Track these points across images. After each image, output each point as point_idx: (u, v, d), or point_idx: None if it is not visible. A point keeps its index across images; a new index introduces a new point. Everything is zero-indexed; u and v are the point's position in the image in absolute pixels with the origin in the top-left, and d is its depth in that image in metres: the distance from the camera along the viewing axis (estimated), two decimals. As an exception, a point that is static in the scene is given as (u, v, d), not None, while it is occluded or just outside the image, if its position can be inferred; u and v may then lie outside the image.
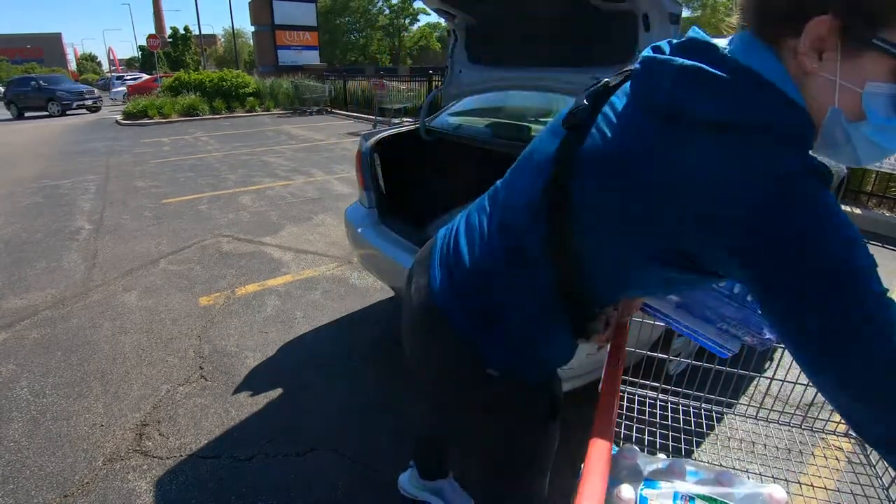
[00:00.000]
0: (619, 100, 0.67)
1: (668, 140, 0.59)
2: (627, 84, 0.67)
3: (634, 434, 1.18)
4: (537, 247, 0.74)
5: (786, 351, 1.32)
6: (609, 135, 0.65)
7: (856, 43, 0.52)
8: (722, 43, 0.62)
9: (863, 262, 0.52)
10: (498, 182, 0.89)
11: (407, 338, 1.01)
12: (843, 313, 0.52)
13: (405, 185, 2.58)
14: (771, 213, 0.53)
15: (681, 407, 1.30)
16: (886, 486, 1.05)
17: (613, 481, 0.89)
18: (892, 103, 0.54)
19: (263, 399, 2.21)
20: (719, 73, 0.57)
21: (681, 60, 0.59)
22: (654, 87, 0.61)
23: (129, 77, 31.08)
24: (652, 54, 0.64)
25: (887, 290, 0.53)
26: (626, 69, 0.70)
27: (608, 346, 0.92)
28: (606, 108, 0.68)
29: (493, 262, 0.81)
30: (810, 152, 0.59)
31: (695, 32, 0.64)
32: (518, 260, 0.77)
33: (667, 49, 0.64)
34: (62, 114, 17.10)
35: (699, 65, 0.58)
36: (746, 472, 1.15)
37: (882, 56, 0.51)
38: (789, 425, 1.26)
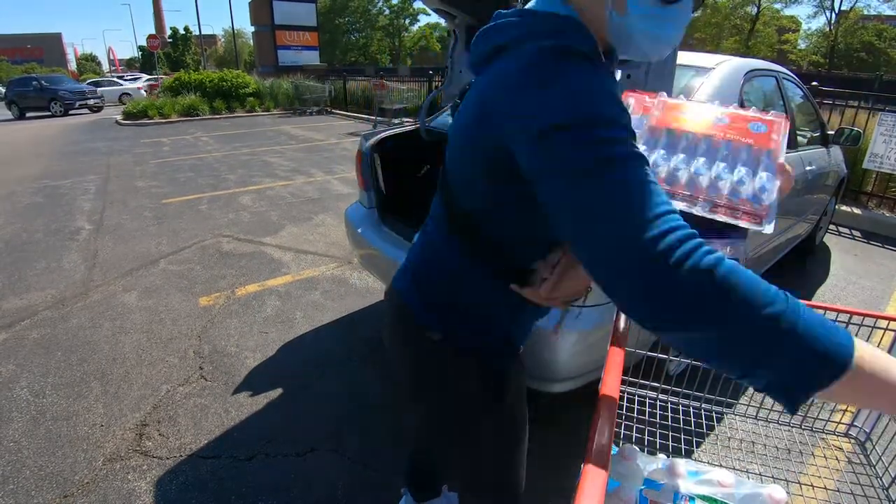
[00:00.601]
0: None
1: (479, 81, 0.75)
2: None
3: (634, 434, 1.18)
4: (440, 207, 0.86)
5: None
6: (460, 110, 0.81)
7: None
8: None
9: (588, 112, 0.59)
10: None
11: (386, 336, 1.04)
12: (573, 159, 0.57)
13: (405, 185, 2.59)
14: (523, 86, 0.63)
15: (681, 407, 1.30)
16: (886, 486, 1.05)
17: (613, 481, 0.89)
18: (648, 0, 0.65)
19: (263, 399, 2.21)
20: (505, 19, 0.73)
21: (485, 27, 0.76)
22: (475, 53, 0.79)
23: (129, 77, 31.08)
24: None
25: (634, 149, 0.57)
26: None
27: (608, 347, 0.92)
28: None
29: (424, 233, 0.92)
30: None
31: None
32: (435, 224, 0.88)
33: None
34: (65, 114, 17.11)
35: (486, 26, 0.76)
36: (746, 472, 1.15)
37: None
38: (789, 425, 1.26)
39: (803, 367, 0.50)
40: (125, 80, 26.85)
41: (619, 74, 1.82)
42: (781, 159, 0.87)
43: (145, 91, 19.81)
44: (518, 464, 1.06)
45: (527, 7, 0.73)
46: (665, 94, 1.01)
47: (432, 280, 0.88)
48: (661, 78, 1.72)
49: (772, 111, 0.96)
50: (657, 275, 0.51)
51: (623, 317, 0.98)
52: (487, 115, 0.69)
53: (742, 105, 2.24)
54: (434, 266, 0.88)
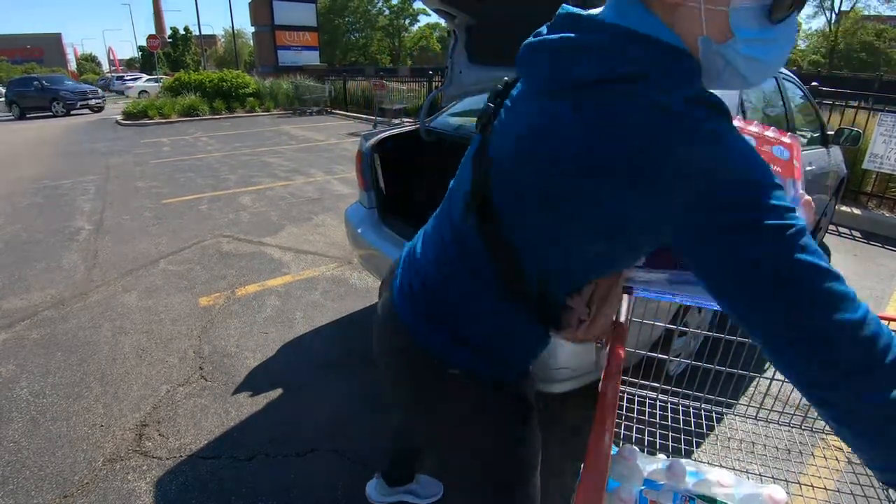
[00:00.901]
0: (515, 91, 0.72)
1: (561, 112, 0.61)
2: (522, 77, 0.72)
3: (634, 434, 1.18)
4: (474, 238, 0.74)
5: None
6: (508, 125, 0.70)
7: None
8: (594, 11, 0.64)
9: (769, 199, 0.52)
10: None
11: (378, 356, 0.99)
12: (753, 258, 0.51)
13: (405, 185, 2.59)
14: (663, 146, 0.53)
15: (681, 407, 1.30)
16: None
17: (613, 481, 0.89)
18: (757, 15, 0.55)
19: (263, 399, 2.21)
20: (588, 37, 0.59)
21: (551, 37, 0.63)
22: (536, 70, 0.65)
23: (129, 77, 31.10)
24: (531, 39, 0.68)
25: (803, 227, 0.52)
26: None
27: (607, 347, 0.92)
28: (507, 103, 0.72)
29: (445, 262, 0.81)
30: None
31: (563, 8, 0.66)
32: (461, 254, 0.78)
33: (544, 31, 0.67)
34: (67, 114, 17.10)
35: (568, 35, 0.61)
36: (746, 472, 1.15)
37: None
38: (789, 425, 1.26)
39: None
40: (127, 79, 26.88)
41: None
42: (802, 190, 0.86)
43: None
44: (534, 486, 0.98)
45: (630, 26, 0.59)
46: None
47: (456, 314, 0.80)
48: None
49: (788, 134, 0.93)
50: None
51: (623, 316, 0.98)
52: (597, 171, 0.58)
53: (742, 105, 2.24)
54: (457, 298, 0.80)
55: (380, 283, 1.07)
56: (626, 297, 0.95)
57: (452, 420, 0.90)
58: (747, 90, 2.38)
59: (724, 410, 1.29)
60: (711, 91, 0.58)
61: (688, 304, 0.94)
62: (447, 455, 1.01)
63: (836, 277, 0.51)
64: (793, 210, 0.52)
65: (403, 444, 1.56)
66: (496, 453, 0.91)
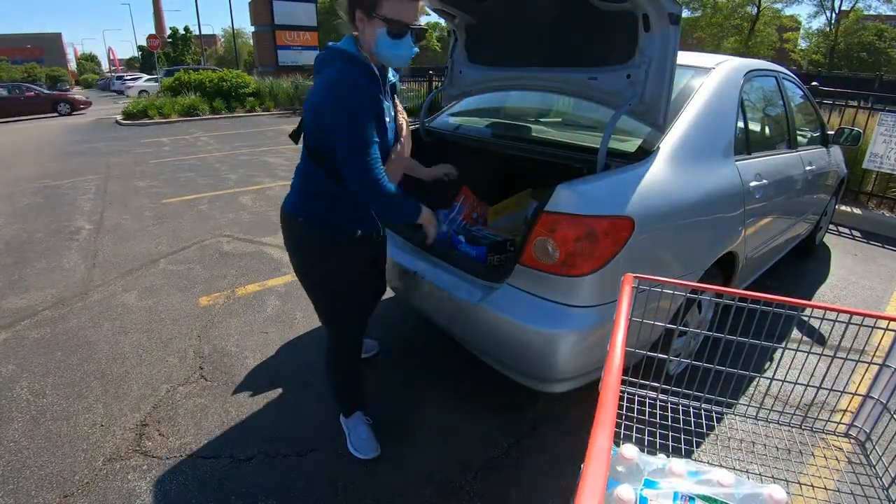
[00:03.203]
0: None
1: (318, 80, 1.49)
2: None
3: (634, 434, 1.18)
4: (303, 150, 1.58)
5: (786, 352, 1.31)
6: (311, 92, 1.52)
7: (371, 15, 1.38)
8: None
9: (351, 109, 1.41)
10: None
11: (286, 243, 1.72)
12: (345, 140, 1.41)
13: (405, 185, 2.57)
14: (322, 88, 1.43)
15: (681, 407, 1.30)
16: (886, 486, 1.05)
17: (613, 481, 0.89)
18: (385, 37, 1.40)
19: (263, 399, 2.21)
20: (329, 51, 1.49)
21: (322, 53, 1.52)
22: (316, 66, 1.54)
23: (129, 77, 31.07)
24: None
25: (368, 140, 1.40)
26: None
27: (609, 347, 0.92)
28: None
29: (299, 165, 1.63)
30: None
31: (338, 43, 1.50)
32: (301, 161, 1.61)
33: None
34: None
35: (322, 55, 1.52)
36: (746, 472, 1.15)
37: (379, 20, 1.38)
38: (789, 425, 1.26)
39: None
40: (126, 79, 26.89)
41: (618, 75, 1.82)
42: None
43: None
44: (341, 309, 1.72)
45: (338, 46, 1.48)
46: None
47: (297, 185, 1.60)
48: (660, 78, 1.72)
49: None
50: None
51: (623, 317, 0.98)
52: (320, 101, 1.44)
53: (742, 105, 2.24)
54: (298, 177, 1.60)
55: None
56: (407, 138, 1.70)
57: (300, 256, 1.66)
58: (748, 92, 2.38)
59: (724, 410, 1.29)
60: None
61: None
62: (304, 285, 1.73)
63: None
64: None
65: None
66: (319, 277, 1.67)
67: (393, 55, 1.43)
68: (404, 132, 1.68)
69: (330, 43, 1.47)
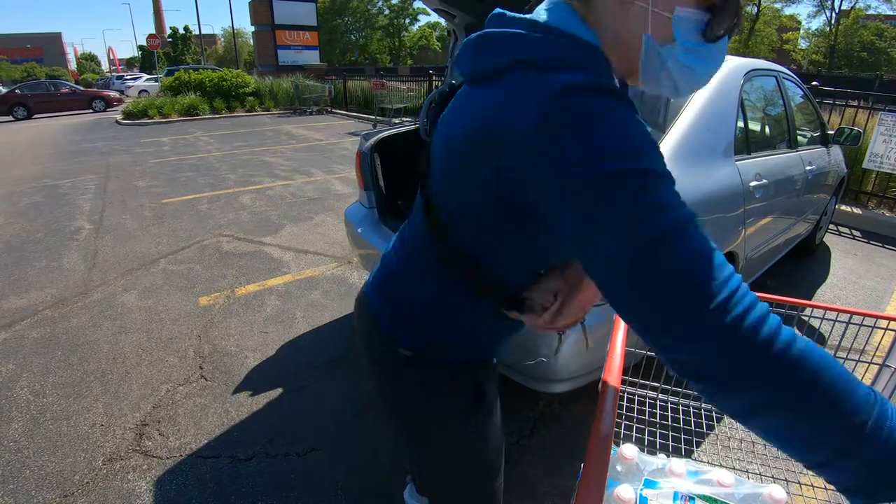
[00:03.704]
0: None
1: (476, 97, 0.64)
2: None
3: (634, 434, 1.18)
4: (421, 220, 0.78)
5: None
6: (444, 119, 0.73)
7: None
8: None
9: (650, 165, 0.52)
10: None
11: (357, 344, 0.98)
12: (631, 229, 0.50)
13: (405, 185, 2.59)
14: (551, 125, 0.53)
15: (681, 407, 1.30)
16: (886, 486, 1.05)
17: (613, 481, 0.89)
18: (697, 28, 0.58)
19: (263, 399, 2.21)
20: (500, 30, 0.63)
21: (476, 34, 0.65)
22: (461, 64, 0.68)
23: (129, 77, 31.07)
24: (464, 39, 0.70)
25: (693, 213, 0.51)
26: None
27: (609, 347, 0.92)
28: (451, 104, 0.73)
29: (401, 244, 0.85)
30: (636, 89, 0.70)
31: (494, 11, 0.67)
32: (412, 234, 0.82)
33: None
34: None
35: (487, 31, 0.64)
36: (746, 472, 1.15)
37: None
38: (789, 425, 1.26)
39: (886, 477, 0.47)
40: (126, 79, 26.96)
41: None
42: None
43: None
44: (492, 490, 0.94)
45: (540, 19, 0.62)
46: None
47: (409, 296, 0.82)
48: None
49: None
50: (728, 345, 0.47)
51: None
52: (494, 146, 0.59)
53: (742, 105, 2.24)
54: (412, 281, 0.81)
55: None
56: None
57: (403, 405, 0.90)
58: (748, 92, 2.38)
59: (724, 410, 1.29)
60: (607, 80, 0.59)
61: None
62: (401, 442, 0.98)
63: None
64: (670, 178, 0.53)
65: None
66: (440, 445, 0.89)
67: (700, 72, 0.63)
68: None
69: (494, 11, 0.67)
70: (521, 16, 0.64)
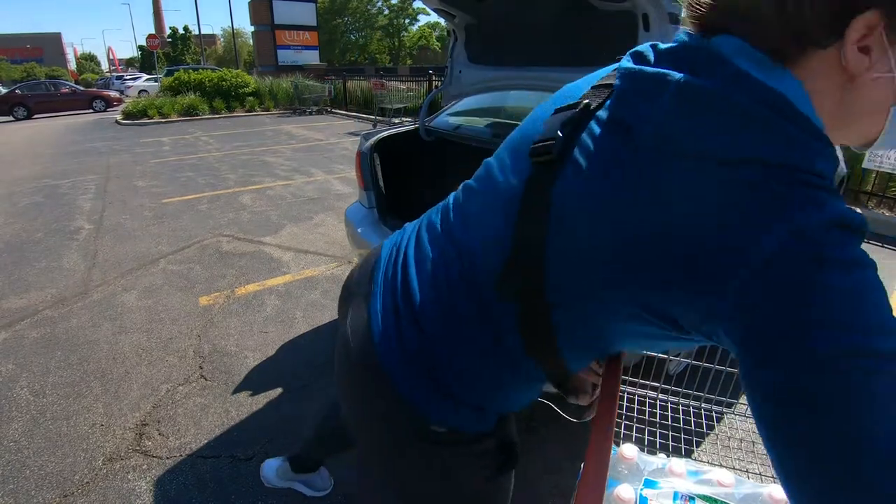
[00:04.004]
0: (598, 126, 0.53)
1: (656, 172, 0.47)
2: (608, 104, 0.54)
3: (634, 434, 1.18)
4: (505, 306, 0.61)
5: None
6: (588, 172, 0.52)
7: None
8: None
9: (888, 366, 0.38)
10: (451, 197, 0.77)
11: (341, 385, 0.83)
12: (838, 428, 0.37)
13: (405, 185, 2.59)
14: (776, 273, 0.40)
15: (681, 407, 1.30)
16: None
17: (613, 481, 0.89)
18: None
19: (263, 399, 2.21)
20: (734, 98, 0.45)
21: (678, 76, 0.47)
22: (641, 113, 0.49)
23: (128, 77, 31.08)
24: (635, 66, 0.52)
25: None
26: (605, 82, 0.57)
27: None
28: (584, 137, 0.54)
29: (453, 314, 0.66)
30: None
31: (688, 35, 0.51)
32: (481, 318, 0.63)
33: (651, 56, 0.52)
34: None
35: (704, 85, 0.46)
36: (746, 472, 1.15)
37: None
38: (789, 425, 1.26)
39: None
40: (126, 79, 27.01)
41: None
42: None
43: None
44: None
45: (763, 81, 0.45)
46: None
47: (458, 372, 0.67)
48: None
49: None
50: None
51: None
52: (670, 226, 0.46)
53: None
54: (462, 357, 0.66)
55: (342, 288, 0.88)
56: None
57: (425, 473, 0.75)
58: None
59: (724, 410, 1.30)
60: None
61: None
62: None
63: None
64: None
65: (330, 444, 1.48)
66: None
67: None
68: None
69: (690, 39, 0.52)
70: (756, 78, 0.45)
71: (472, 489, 0.76)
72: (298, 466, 1.63)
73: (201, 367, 2.44)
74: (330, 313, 2.96)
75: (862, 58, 0.44)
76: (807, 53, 0.46)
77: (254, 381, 2.34)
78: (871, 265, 0.41)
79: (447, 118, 2.84)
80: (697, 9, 0.50)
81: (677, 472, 0.93)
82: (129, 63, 68.96)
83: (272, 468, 1.67)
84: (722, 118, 0.45)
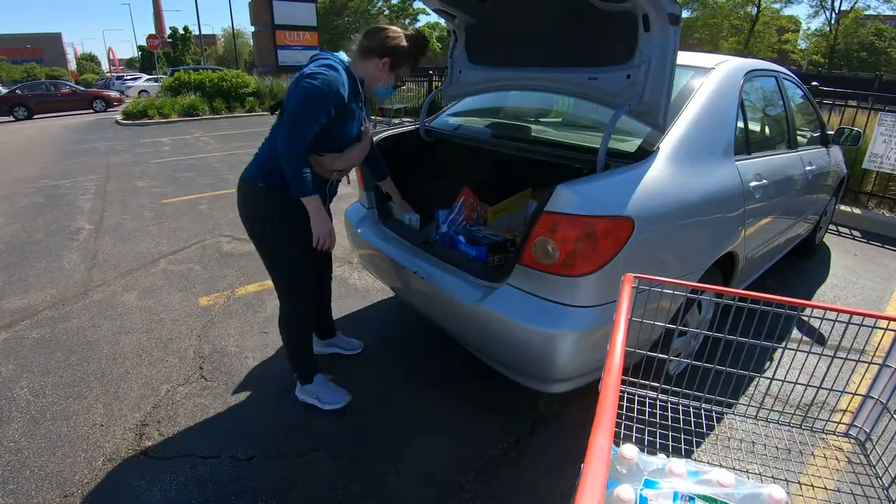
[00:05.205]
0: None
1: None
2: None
3: (634, 434, 1.18)
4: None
5: (786, 351, 1.32)
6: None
7: (392, 70, 1.88)
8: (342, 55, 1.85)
9: (301, 110, 1.67)
10: None
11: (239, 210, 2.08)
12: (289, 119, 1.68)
13: (405, 185, 2.58)
14: (305, 74, 1.70)
15: (681, 407, 1.30)
16: (886, 486, 1.05)
17: (613, 481, 0.89)
18: (388, 85, 1.92)
19: (263, 399, 2.21)
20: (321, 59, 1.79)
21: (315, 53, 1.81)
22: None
23: (129, 77, 31.06)
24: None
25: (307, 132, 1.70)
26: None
27: (609, 347, 0.92)
28: None
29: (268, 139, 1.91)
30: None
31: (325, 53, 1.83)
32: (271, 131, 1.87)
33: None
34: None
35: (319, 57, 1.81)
36: (746, 472, 1.15)
37: (394, 75, 1.91)
38: (789, 425, 1.26)
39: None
40: (126, 79, 27.03)
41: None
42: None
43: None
44: (290, 271, 1.99)
45: (333, 55, 1.81)
46: None
47: (262, 154, 1.89)
48: (660, 78, 1.72)
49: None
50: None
51: (623, 317, 0.98)
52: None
53: (742, 105, 2.24)
54: (266, 146, 1.88)
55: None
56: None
57: (256, 220, 1.97)
58: (748, 92, 2.38)
59: (724, 410, 1.30)
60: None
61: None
62: (258, 250, 2.02)
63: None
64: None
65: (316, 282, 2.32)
66: (269, 240, 1.96)
67: (384, 94, 1.96)
68: (365, 139, 2.02)
69: (324, 51, 1.81)
70: (333, 54, 1.86)
71: (284, 216, 1.88)
72: (319, 334, 2.47)
73: (201, 368, 2.44)
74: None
75: (383, 66, 1.87)
76: (366, 57, 1.86)
77: (254, 382, 2.34)
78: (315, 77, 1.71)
79: (447, 118, 2.84)
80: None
81: (677, 473, 0.93)
82: (129, 63, 68.96)
83: (314, 341, 2.31)
84: (314, 62, 1.79)
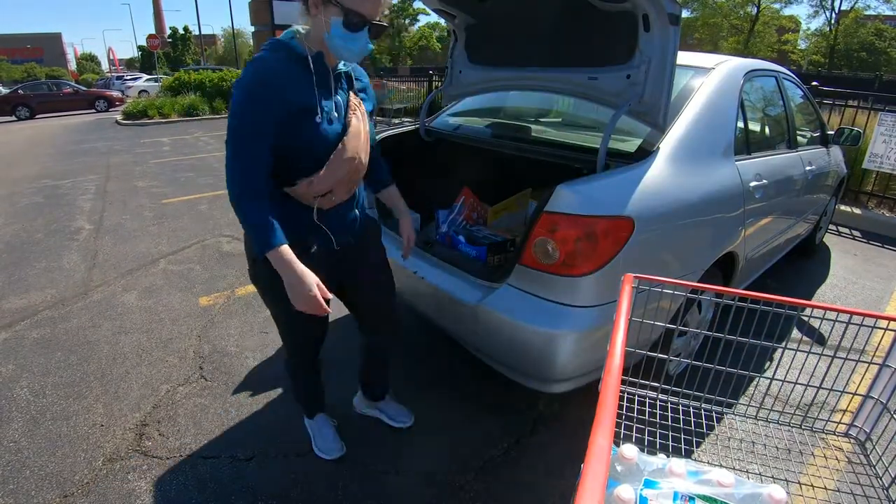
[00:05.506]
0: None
1: None
2: None
3: (634, 434, 1.18)
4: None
5: (786, 352, 1.32)
6: None
7: (326, 4, 1.25)
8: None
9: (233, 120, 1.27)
10: None
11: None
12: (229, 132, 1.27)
13: (405, 185, 2.58)
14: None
15: (681, 407, 1.30)
16: (886, 486, 1.05)
17: (613, 481, 0.89)
18: (339, 27, 1.26)
19: (263, 399, 2.21)
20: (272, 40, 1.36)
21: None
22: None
23: (129, 77, 31.07)
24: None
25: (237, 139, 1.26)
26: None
27: (609, 347, 0.92)
28: None
29: None
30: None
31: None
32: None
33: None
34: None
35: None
36: (746, 472, 1.15)
37: (336, 7, 1.24)
38: (789, 425, 1.26)
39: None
40: (126, 79, 27.04)
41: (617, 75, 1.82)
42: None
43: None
44: (281, 326, 1.67)
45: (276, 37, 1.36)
46: None
47: None
48: (660, 78, 1.73)
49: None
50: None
51: (623, 317, 0.98)
52: None
53: (742, 105, 2.24)
54: None
55: None
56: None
57: (249, 258, 1.56)
58: (748, 92, 2.38)
59: (724, 410, 1.29)
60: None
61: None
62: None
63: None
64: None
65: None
66: (272, 306, 1.61)
67: (345, 48, 1.28)
68: (361, 137, 1.44)
69: (271, 38, 1.35)
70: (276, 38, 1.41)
71: (272, 296, 1.49)
72: (365, 394, 2.07)
73: (201, 368, 2.44)
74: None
75: (315, 8, 1.27)
76: (307, 6, 1.29)
77: (254, 382, 2.34)
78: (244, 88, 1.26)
79: (447, 118, 2.84)
80: None
81: (677, 473, 0.93)
82: (129, 63, 68.97)
83: (357, 397, 2.12)
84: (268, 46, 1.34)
